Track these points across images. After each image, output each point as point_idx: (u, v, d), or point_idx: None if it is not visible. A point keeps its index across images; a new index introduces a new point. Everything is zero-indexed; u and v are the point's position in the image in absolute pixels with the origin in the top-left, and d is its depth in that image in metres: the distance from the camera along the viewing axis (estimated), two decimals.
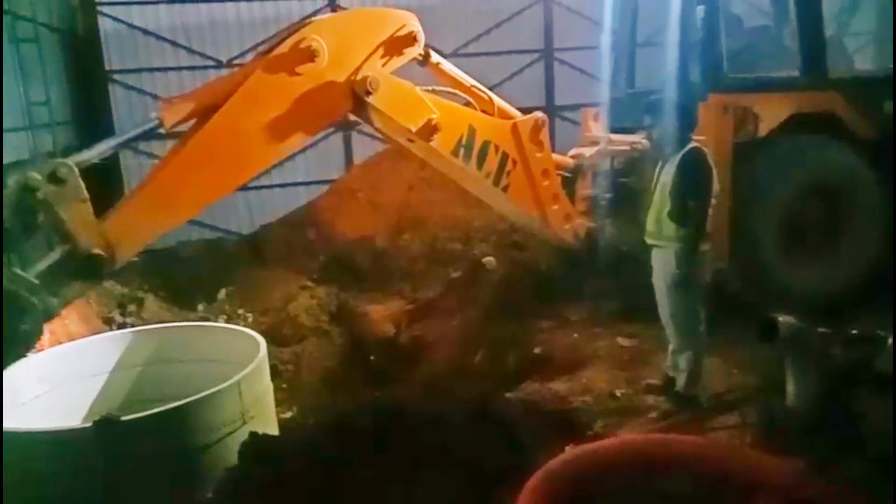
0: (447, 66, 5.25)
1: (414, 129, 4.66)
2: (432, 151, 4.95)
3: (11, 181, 3.52)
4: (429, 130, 4.69)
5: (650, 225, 4.50)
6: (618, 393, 4.76)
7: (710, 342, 4.55)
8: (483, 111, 5.20)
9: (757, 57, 6.56)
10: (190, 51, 10.66)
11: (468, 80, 5.31)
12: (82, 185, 3.62)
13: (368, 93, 4.40)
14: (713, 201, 4.32)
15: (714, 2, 5.71)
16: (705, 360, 4.49)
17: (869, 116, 5.90)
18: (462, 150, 4.94)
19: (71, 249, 3.66)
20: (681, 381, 4.44)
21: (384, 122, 4.76)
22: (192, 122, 4.16)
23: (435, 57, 5.05)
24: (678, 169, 4.30)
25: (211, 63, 10.72)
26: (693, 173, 4.27)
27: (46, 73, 8.79)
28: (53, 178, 3.52)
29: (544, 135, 5.36)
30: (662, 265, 4.44)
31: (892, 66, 6.44)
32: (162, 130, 4.09)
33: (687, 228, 4.26)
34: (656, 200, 4.46)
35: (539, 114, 5.44)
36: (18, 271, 3.46)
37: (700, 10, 5.67)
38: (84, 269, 3.70)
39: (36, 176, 3.50)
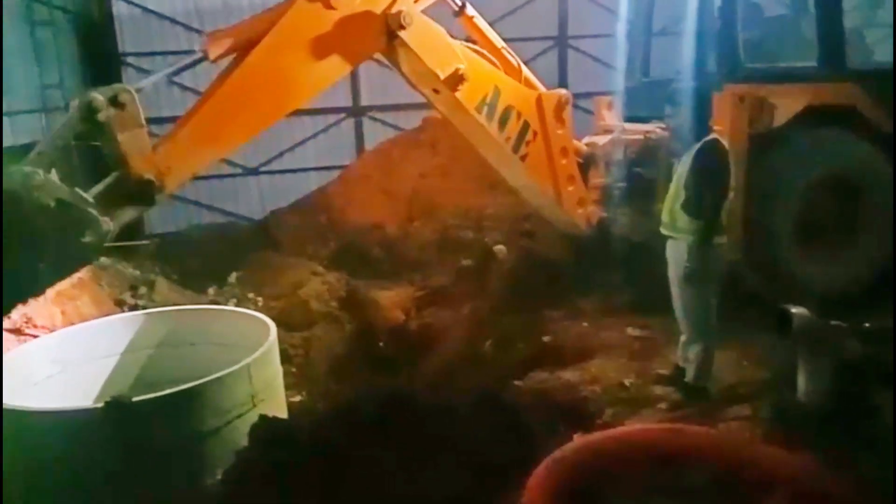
0: (481, 22, 5.23)
1: (441, 76, 4.66)
2: (456, 105, 4.89)
3: (75, 102, 3.70)
4: (455, 80, 4.70)
5: (665, 216, 4.47)
6: (627, 383, 4.75)
7: (723, 334, 4.52)
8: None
9: (774, 47, 6.48)
10: (202, 34, 10.65)
11: (499, 42, 5.29)
12: (140, 111, 3.78)
13: (402, 27, 4.41)
14: (729, 195, 4.28)
15: None
16: (716, 352, 4.46)
17: (887, 109, 5.81)
18: (485, 109, 4.94)
19: (124, 174, 3.78)
20: (690, 372, 4.42)
21: (412, 66, 4.73)
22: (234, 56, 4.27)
23: (470, 10, 5.06)
24: (694, 160, 4.26)
25: None
26: (708, 165, 4.22)
27: (60, 56, 8.81)
28: (114, 101, 3.69)
29: (567, 113, 5.38)
30: (675, 257, 4.40)
31: None
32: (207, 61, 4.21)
33: (700, 221, 4.21)
34: (672, 191, 4.42)
35: (564, 91, 5.43)
36: (78, 190, 3.56)
37: None
38: (136, 193, 3.83)
39: (99, 97, 3.64)
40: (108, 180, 3.78)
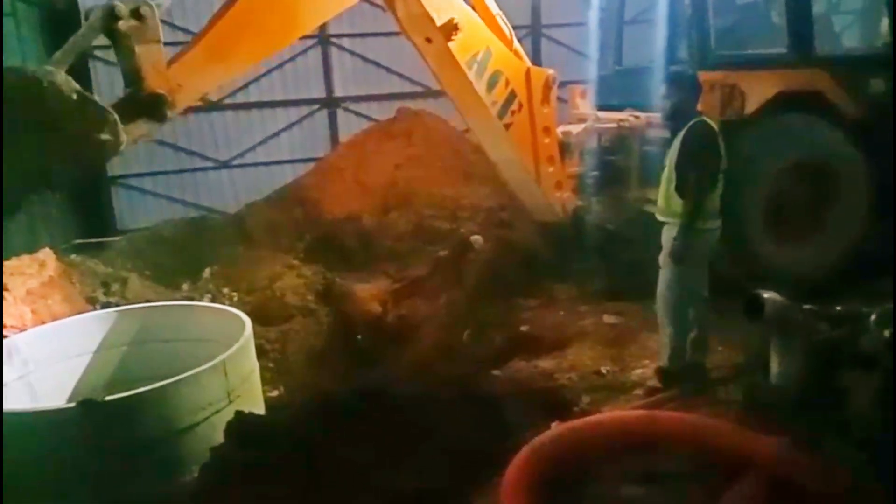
0: None
1: (438, 22, 4.69)
2: (447, 57, 4.91)
3: (97, 9, 3.80)
4: (450, 28, 4.73)
5: (660, 200, 4.44)
6: (603, 370, 4.78)
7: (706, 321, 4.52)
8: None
9: (745, 34, 6.54)
10: (173, 26, 10.45)
11: (494, 9, 5.33)
12: (160, 26, 3.87)
13: None
14: (721, 177, 4.27)
15: None
16: (705, 342, 4.44)
17: (855, 95, 5.89)
18: (475, 66, 4.98)
19: (138, 88, 3.90)
20: (663, 357, 4.40)
21: (409, 9, 4.74)
22: None
23: None
24: (682, 142, 4.27)
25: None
26: (695, 146, 4.22)
27: (24, 48, 8.60)
28: (136, 13, 3.79)
29: (553, 93, 5.43)
30: (667, 242, 4.37)
31: (878, 44, 6.44)
32: None
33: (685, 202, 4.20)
34: (665, 175, 4.41)
35: (552, 71, 5.49)
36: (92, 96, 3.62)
37: None
38: (149, 108, 3.94)
39: (121, 5, 3.73)
40: (123, 97, 3.91)
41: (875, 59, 6.28)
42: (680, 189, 4.26)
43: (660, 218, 4.46)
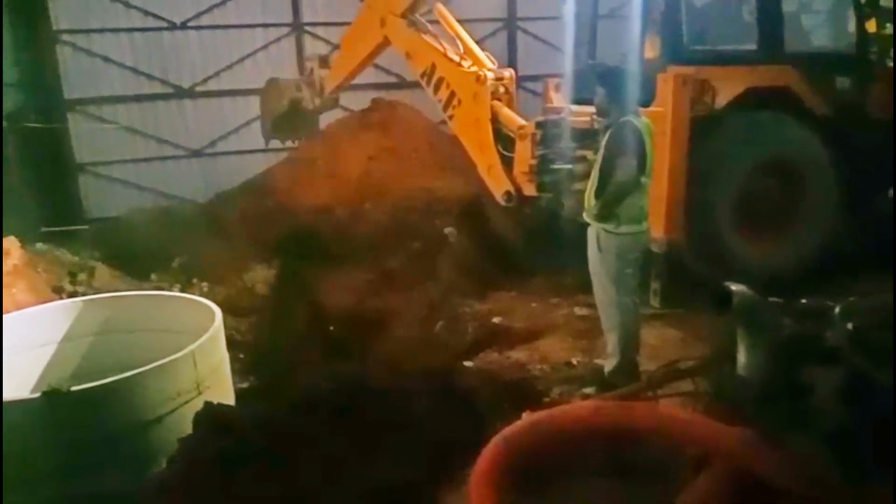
0: (449, 16, 6.94)
1: (402, 51, 7.05)
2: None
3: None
4: (408, 55, 6.97)
5: (586, 201, 4.41)
6: (574, 361, 4.83)
7: (666, 311, 4.60)
8: (461, 56, 6.59)
9: (717, 31, 6.62)
10: (144, 12, 10.26)
11: (460, 31, 6.82)
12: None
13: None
14: (644, 180, 4.18)
15: None
16: (658, 332, 4.51)
17: (823, 92, 6.00)
18: (425, 78, 6.73)
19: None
20: (607, 365, 4.40)
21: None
22: None
23: (443, 8, 6.93)
24: (605, 143, 4.24)
25: (165, 25, 10.36)
26: (613, 148, 4.16)
27: (2, 33, 8.38)
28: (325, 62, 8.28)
29: (482, 91, 6.20)
30: (590, 243, 4.38)
31: (846, 43, 6.56)
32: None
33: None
34: (592, 177, 4.38)
35: (482, 72, 6.30)
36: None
37: None
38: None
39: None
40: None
41: (843, 58, 6.40)
42: (599, 191, 4.24)
43: (586, 219, 4.42)
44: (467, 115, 6.39)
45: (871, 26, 6.83)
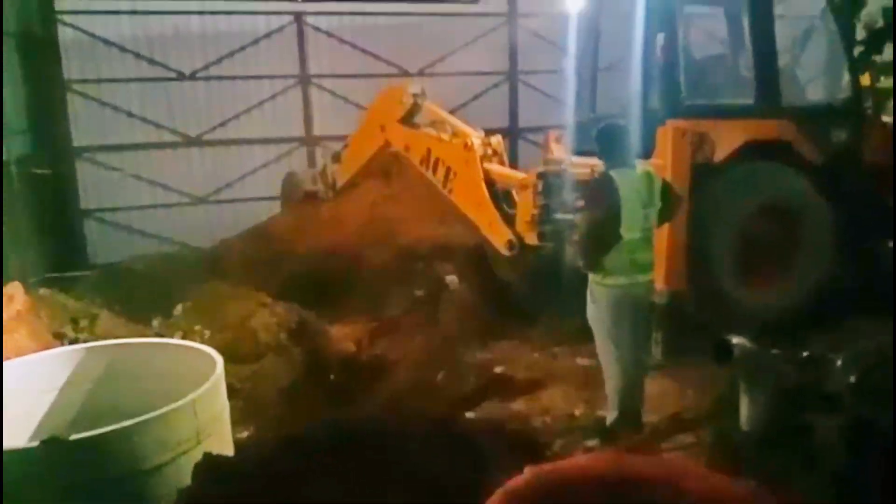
0: (435, 108, 7.64)
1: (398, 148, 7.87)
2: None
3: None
4: (405, 149, 7.73)
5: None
6: (577, 412, 4.80)
7: (668, 362, 4.59)
8: (453, 135, 7.09)
9: (714, 84, 6.76)
10: (152, 62, 10.51)
11: (447, 115, 7.55)
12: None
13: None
14: (625, 235, 4.20)
15: (673, 30, 5.89)
16: (660, 382, 4.49)
17: (819, 144, 6.11)
18: (423, 164, 7.29)
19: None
20: (609, 416, 4.41)
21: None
22: None
23: (427, 104, 7.60)
24: (584, 195, 4.35)
25: (173, 75, 10.59)
26: (588, 202, 4.32)
27: (2, 80, 8.57)
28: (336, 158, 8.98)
29: (471, 156, 6.65)
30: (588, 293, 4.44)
31: (840, 96, 6.69)
32: None
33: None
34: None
35: (469, 140, 6.68)
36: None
37: (660, 38, 5.83)
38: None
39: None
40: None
41: (838, 110, 6.52)
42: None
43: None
44: (463, 181, 6.77)
45: (864, 79, 6.99)
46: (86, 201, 10.27)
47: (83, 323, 7.12)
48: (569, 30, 7.10)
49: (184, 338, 7.02)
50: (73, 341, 6.54)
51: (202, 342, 6.16)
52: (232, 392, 5.38)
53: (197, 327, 7.57)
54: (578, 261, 4.36)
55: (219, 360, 4.49)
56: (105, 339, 6.09)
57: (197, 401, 3.91)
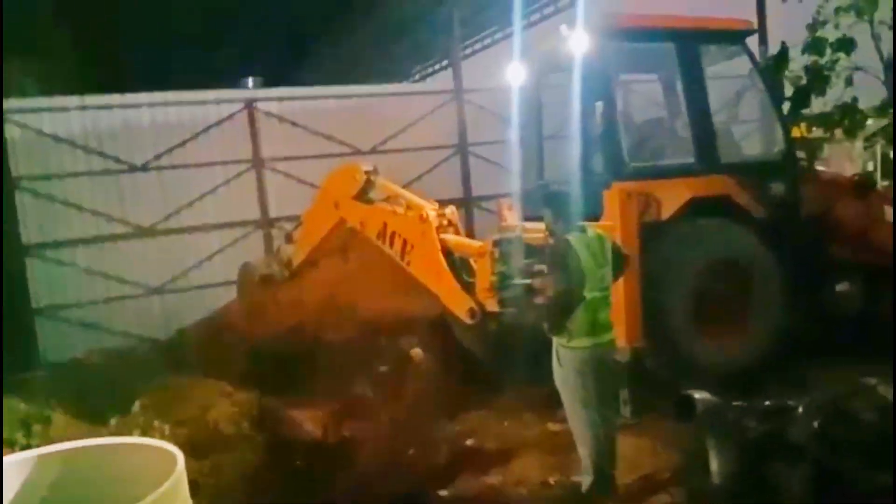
0: (390, 184, 7.68)
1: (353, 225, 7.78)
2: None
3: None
4: (361, 225, 7.64)
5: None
6: (551, 480, 4.74)
7: (638, 420, 4.58)
8: (407, 208, 7.11)
9: (655, 146, 7.02)
10: (103, 155, 10.49)
11: (400, 190, 7.58)
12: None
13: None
14: (587, 295, 4.26)
15: (611, 98, 6.14)
16: (630, 441, 4.48)
17: (759, 197, 6.35)
18: (379, 239, 7.26)
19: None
20: (585, 482, 4.38)
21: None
22: None
23: (380, 180, 7.64)
24: (546, 262, 4.47)
25: (125, 167, 10.57)
26: (548, 265, 4.44)
27: None
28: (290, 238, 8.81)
29: (427, 227, 6.71)
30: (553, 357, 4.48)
31: (775, 150, 7.01)
32: None
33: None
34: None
35: (424, 212, 6.77)
36: None
37: (599, 106, 6.07)
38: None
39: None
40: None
41: (774, 163, 6.82)
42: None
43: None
44: (420, 253, 6.77)
45: (797, 131, 7.35)
46: (37, 299, 10.00)
47: (36, 427, 6.83)
48: (512, 102, 7.35)
49: (143, 435, 6.76)
50: (25, 447, 6.24)
51: (162, 438, 5.94)
52: (195, 488, 5.17)
53: (156, 423, 7.30)
54: (544, 325, 4.38)
55: (180, 456, 4.32)
56: (59, 443, 5.84)
57: (157, 503, 3.75)
